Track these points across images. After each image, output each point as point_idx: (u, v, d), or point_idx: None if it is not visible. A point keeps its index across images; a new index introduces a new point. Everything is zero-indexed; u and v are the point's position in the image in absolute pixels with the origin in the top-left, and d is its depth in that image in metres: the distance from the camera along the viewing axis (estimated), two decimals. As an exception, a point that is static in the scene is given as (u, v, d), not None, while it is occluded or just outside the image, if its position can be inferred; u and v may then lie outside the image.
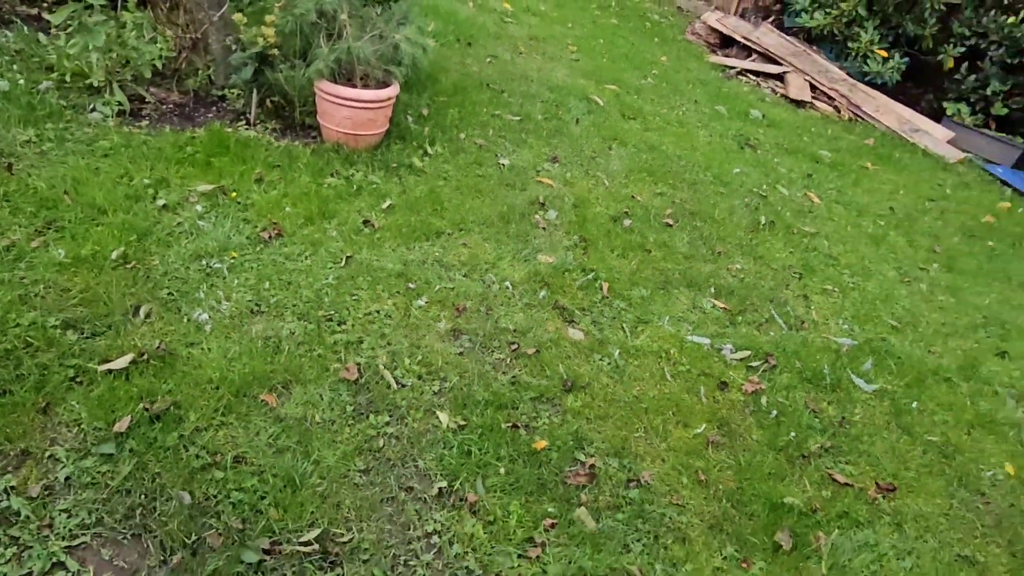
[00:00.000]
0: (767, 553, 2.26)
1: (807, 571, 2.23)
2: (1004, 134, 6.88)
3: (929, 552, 2.41)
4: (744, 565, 2.20)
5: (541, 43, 6.75)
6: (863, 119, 7.09)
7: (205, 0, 3.78)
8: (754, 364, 3.08)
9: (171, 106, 3.87)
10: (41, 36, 3.86)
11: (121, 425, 2.10)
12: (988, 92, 6.84)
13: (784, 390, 2.96)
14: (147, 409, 2.17)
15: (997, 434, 3.02)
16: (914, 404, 3.06)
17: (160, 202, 3.06)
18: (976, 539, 2.51)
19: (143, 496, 1.97)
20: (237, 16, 3.59)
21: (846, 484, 2.58)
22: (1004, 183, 6.33)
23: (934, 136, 6.82)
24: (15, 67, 3.62)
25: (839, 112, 7.16)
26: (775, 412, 2.83)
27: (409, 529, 2.08)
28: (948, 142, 6.80)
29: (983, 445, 2.94)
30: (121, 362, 2.29)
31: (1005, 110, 6.83)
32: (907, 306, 3.85)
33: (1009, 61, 6.67)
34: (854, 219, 4.79)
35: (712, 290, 3.53)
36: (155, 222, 2.94)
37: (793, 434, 2.73)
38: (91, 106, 3.52)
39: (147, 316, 2.52)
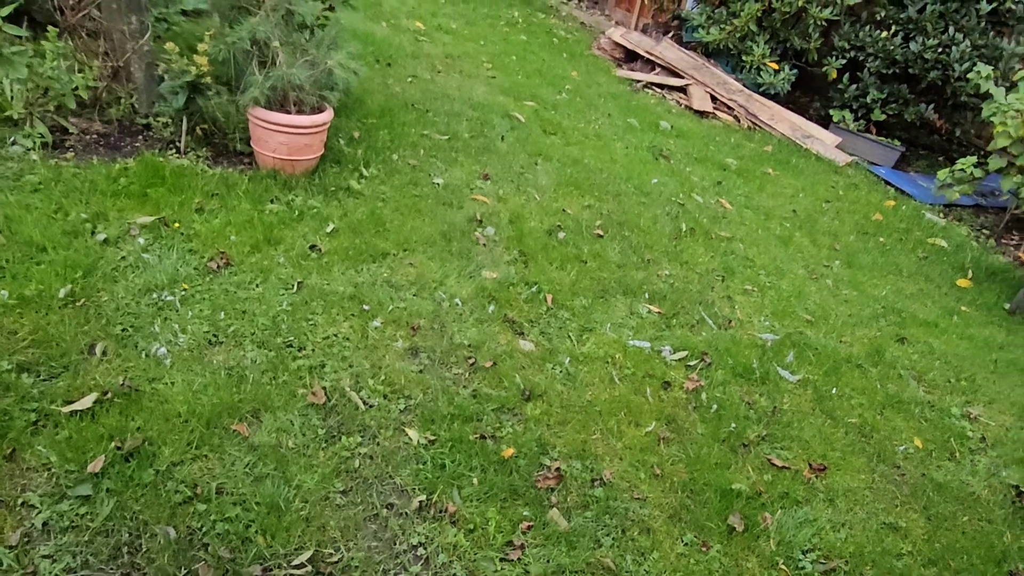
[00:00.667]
0: (723, 536, 2.46)
1: (759, 549, 2.45)
2: (884, 138, 7.54)
3: (859, 522, 2.69)
4: (704, 549, 2.40)
5: (457, 61, 6.89)
6: (761, 127, 7.61)
7: (127, 28, 3.71)
8: (692, 363, 3.32)
9: (95, 136, 3.77)
10: (-53, 66, 3.67)
11: (95, 465, 2.08)
12: (868, 100, 7.48)
13: (720, 385, 3.21)
14: (119, 447, 2.16)
15: (905, 412, 3.37)
16: (833, 390, 3.37)
17: (100, 236, 3.00)
18: (897, 507, 2.81)
19: (127, 535, 1.96)
20: (169, 45, 3.55)
21: (784, 467, 2.83)
22: (887, 183, 6.95)
23: (824, 141, 7.39)
24: (-77, 100, 3.44)
25: (739, 121, 7.65)
26: (715, 406, 3.06)
27: (395, 544, 2.16)
28: (837, 147, 7.39)
29: (895, 423, 3.28)
30: (85, 402, 2.26)
31: (883, 116, 7.48)
32: (817, 301, 4.22)
33: (884, 71, 7.33)
34: (763, 222, 5.17)
35: (646, 296, 3.76)
36: (98, 257, 2.88)
37: (733, 425, 2.97)
38: (11, 139, 3.39)
39: (103, 354, 2.49)
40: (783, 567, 2.39)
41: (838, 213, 5.76)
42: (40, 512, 1.95)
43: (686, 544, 2.41)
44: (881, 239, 5.47)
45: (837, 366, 3.56)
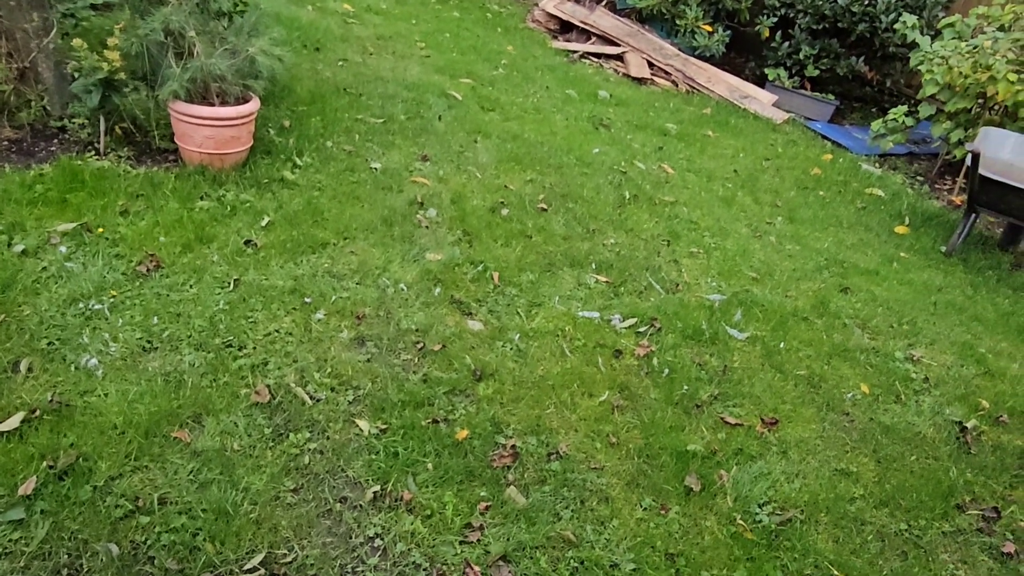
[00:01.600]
0: (680, 497, 2.48)
1: (716, 507, 2.48)
2: (818, 94, 7.65)
3: (812, 471, 2.74)
4: (663, 512, 2.41)
5: (389, 42, 6.75)
6: (698, 91, 7.65)
7: (30, 26, 3.52)
8: (641, 330, 3.33)
9: (6, 143, 3.58)
10: None
11: (26, 488, 1.99)
12: (800, 56, 7.57)
13: (671, 349, 3.22)
14: (51, 466, 2.06)
15: (851, 360, 3.44)
16: (781, 344, 3.42)
17: (18, 248, 2.85)
18: (847, 453, 2.87)
19: (66, 556, 1.88)
20: (76, 41, 3.37)
21: (737, 424, 2.87)
22: (824, 137, 7.07)
23: (761, 100, 7.47)
24: None
25: (677, 86, 7.67)
26: (667, 370, 3.08)
27: (351, 537, 2.12)
28: (774, 105, 7.47)
29: (841, 372, 3.35)
30: (11, 422, 2.15)
31: (816, 72, 7.58)
32: (762, 258, 4.27)
33: (815, 27, 7.41)
34: (705, 184, 5.20)
35: (593, 266, 3.75)
36: (17, 270, 2.74)
37: (685, 387, 2.99)
38: (-87, 152, 3.20)
39: (29, 370, 2.37)
40: (740, 522, 2.43)
41: (778, 170, 5.83)
42: (-30, 541, 1.86)
43: (645, 509, 2.42)
44: (821, 193, 5.56)
45: (784, 320, 3.61)
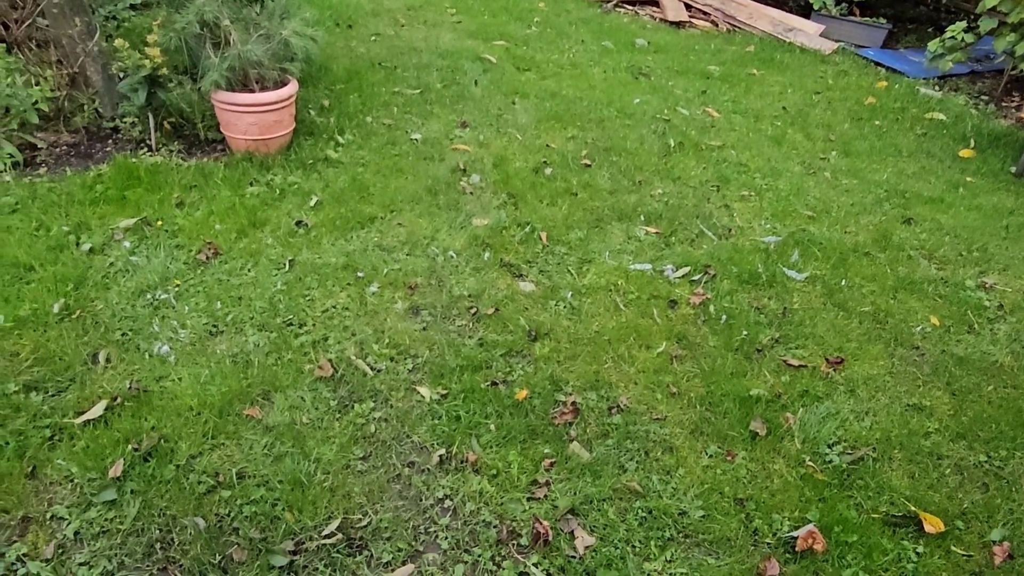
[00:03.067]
0: (746, 442, 2.46)
1: (783, 449, 2.45)
2: (868, 19, 7.28)
3: (883, 408, 2.67)
4: (729, 458, 2.40)
5: (419, 11, 6.71)
6: (740, 28, 7.37)
7: (75, 32, 3.62)
8: (695, 278, 3.28)
9: (65, 147, 3.72)
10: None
11: (115, 470, 2.11)
12: (847, -19, 7.22)
13: (727, 295, 3.17)
14: (136, 449, 2.18)
15: (918, 292, 3.32)
16: (843, 282, 3.32)
17: (85, 247, 2.98)
18: (920, 388, 2.79)
19: (158, 531, 1.99)
20: (118, 41, 3.46)
21: (800, 366, 2.81)
22: (877, 64, 6.74)
23: (807, 32, 7.16)
24: None
25: (716, 26, 7.41)
26: (724, 317, 3.03)
27: (421, 500, 2.18)
28: (821, 35, 7.15)
29: (909, 305, 3.24)
30: (96, 410, 2.27)
31: (865, -5, 7.23)
32: (817, 195, 4.13)
33: (860, -52, 7.04)
34: (753, 125, 5.04)
35: (642, 218, 3.70)
36: (87, 267, 2.87)
37: (745, 333, 2.95)
38: (-19, 164, 3.36)
39: (107, 361, 2.49)
40: (810, 463, 2.39)
41: (829, 103, 5.60)
42: (70, 523, 1.98)
43: (711, 456, 2.41)
44: (876, 122, 5.32)
45: (844, 257, 3.51)
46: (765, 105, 5.42)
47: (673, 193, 3.98)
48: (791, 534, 2.14)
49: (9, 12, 3.66)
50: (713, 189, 4.07)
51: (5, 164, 3.37)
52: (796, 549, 2.10)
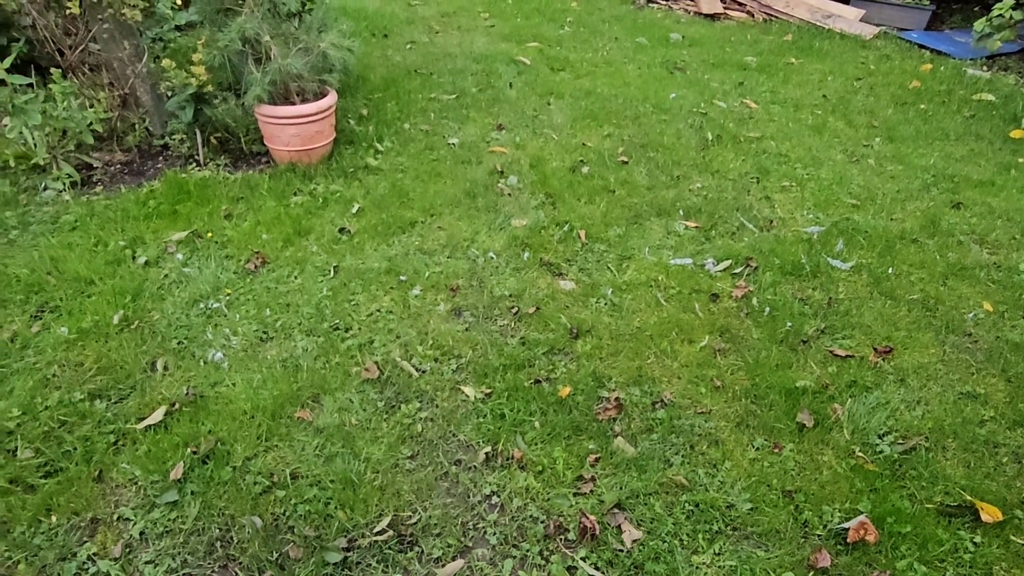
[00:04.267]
0: (793, 434, 2.44)
1: (832, 440, 2.42)
2: (910, 1, 7.11)
3: (935, 397, 2.62)
4: (776, 450, 2.38)
5: (453, 17, 6.79)
6: (776, 17, 7.27)
7: (125, 55, 3.77)
8: (737, 271, 3.25)
9: (118, 166, 3.87)
10: (-31, 129, 3.82)
11: (176, 472, 2.19)
12: (887, -36, 7.05)
13: (770, 287, 3.14)
14: (195, 452, 2.26)
15: (970, 278, 3.24)
16: (890, 270, 3.26)
17: (141, 260, 3.10)
18: (973, 375, 2.72)
19: (217, 530, 2.07)
20: (165, 61, 3.59)
21: (847, 356, 2.77)
22: (921, 47, 6.57)
23: (847, 18, 7.02)
24: (-46, 165, 3.60)
25: (752, 16, 7.32)
26: (767, 309, 3.00)
27: (469, 496, 2.22)
28: (861, 20, 7.00)
29: (960, 291, 3.16)
30: (156, 416, 2.37)
31: (906, -23, 7.05)
32: (861, 183, 4.05)
33: (899, -71, 6.88)
34: (792, 115, 4.97)
35: (681, 213, 3.69)
36: (143, 279, 2.99)
37: (789, 324, 2.91)
38: (42, 185, 3.52)
39: (165, 368, 2.60)
40: (860, 454, 2.36)
41: (872, 89, 5.49)
42: (135, 523, 2.07)
43: (757, 448, 2.39)
44: (922, 106, 5.20)
45: (891, 245, 3.44)
46: (805, 94, 5.34)
47: (712, 187, 3.95)
48: (842, 525, 2.12)
49: (64, 39, 3.83)
50: (753, 181, 4.03)
51: (64, 184, 3.52)
52: (847, 540, 2.07)
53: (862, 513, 2.15)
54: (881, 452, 2.38)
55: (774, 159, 4.28)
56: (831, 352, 2.80)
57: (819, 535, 2.11)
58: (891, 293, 3.13)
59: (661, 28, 6.74)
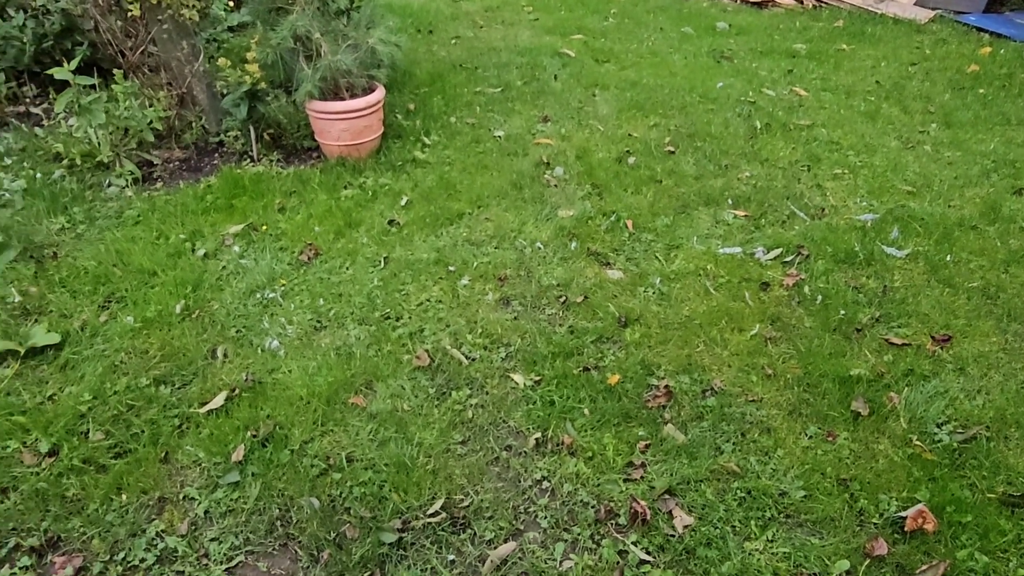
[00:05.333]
0: (848, 423, 2.40)
1: (888, 429, 2.38)
2: (968, -18, 6.88)
3: (996, 386, 2.55)
4: (830, 438, 2.35)
5: (497, 12, 6.81)
6: (826, 3, 7.11)
7: (182, 55, 3.90)
8: (788, 259, 3.21)
9: (177, 163, 4.01)
10: (37, 130, 4.00)
11: (237, 455, 2.27)
12: (943, -55, 6.83)
13: (823, 275, 3.09)
14: (255, 435, 2.34)
15: (1032, 265, 3.14)
16: (948, 257, 3.18)
17: (200, 252, 3.21)
18: (1036, 364, 2.64)
19: (277, 510, 2.14)
20: (221, 61, 3.70)
21: (904, 344, 2.72)
22: (979, 30, 6.36)
23: (900, 2, 6.83)
24: (25, 164, 3.77)
25: (802, 3, 7.18)
26: (820, 297, 2.96)
27: (519, 481, 2.24)
28: (915, 4, 6.81)
29: (1022, 279, 3.06)
30: (218, 400, 2.46)
31: (964, -42, 6.82)
32: (917, 170, 3.95)
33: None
34: (844, 102, 4.87)
35: (729, 202, 3.65)
36: (202, 271, 3.09)
37: (842, 312, 2.87)
38: (107, 181, 3.66)
39: (225, 356, 2.69)
40: (918, 443, 2.31)
41: (927, 74, 5.34)
42: (200, 503, 2.16)
43: (810, 437, 2.37)
44: (980, 91, 5.03)
45: (949, 232, 3.35)
46: (856, 80, 5.22)
47: (761, 175, 3.90)
48: (899, 514, 2.08)
49: (124, 41, 3.98)
50: (803, 169, 3.97)
51: (127, 180, 3.66)
52: (905, 529, 2.04)
53: (920, 502, 2.11)
54: (940, 441, 2.33)
55: (825, 147, 4.20)
56: (886, 340, 2.74)
57: (875, 523, 2.08)
58: (949, 281, 3.05)
59: (707, 17, 6.66)
